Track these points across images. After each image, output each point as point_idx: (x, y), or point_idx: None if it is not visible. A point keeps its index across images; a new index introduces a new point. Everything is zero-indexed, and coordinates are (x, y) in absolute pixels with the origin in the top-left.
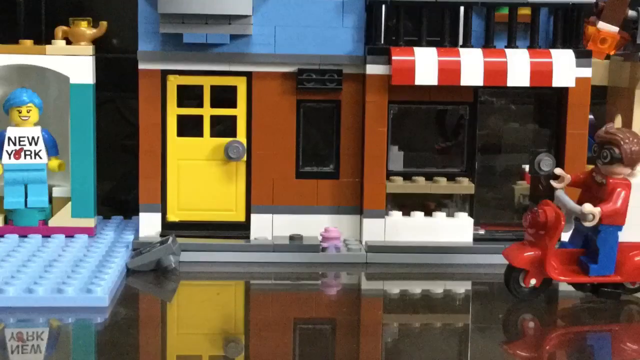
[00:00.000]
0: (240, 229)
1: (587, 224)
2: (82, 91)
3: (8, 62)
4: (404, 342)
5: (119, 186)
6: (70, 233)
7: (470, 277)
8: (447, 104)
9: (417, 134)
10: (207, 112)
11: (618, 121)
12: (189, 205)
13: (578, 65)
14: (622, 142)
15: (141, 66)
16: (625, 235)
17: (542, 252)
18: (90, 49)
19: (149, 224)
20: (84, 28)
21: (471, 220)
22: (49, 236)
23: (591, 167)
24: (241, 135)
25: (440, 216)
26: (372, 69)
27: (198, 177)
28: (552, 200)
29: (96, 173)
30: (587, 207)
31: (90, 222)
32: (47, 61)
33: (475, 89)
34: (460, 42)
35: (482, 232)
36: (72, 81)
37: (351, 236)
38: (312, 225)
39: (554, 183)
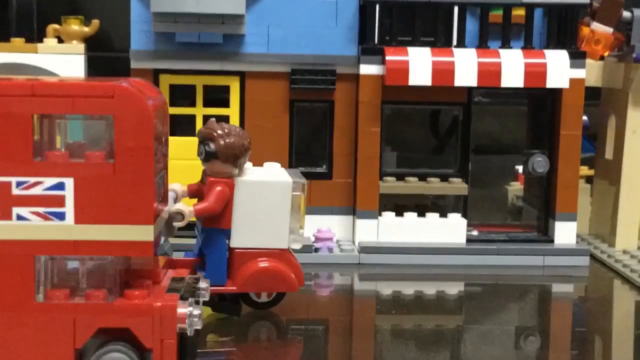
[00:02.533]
0: None
1: (176, 224)
2: None
3: None
4: (396, 343)
5: None
6: None
7: (464, 278)
8: (441, 105)
9: (411, 134)
10: (199, 111)
11: (612, 122)
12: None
13: (572, 66)
14: (216, 136)
15: (133, 65)
16: (249, 240)
17: None
18: (82, 47)
19: None
20: (76, 26)
21: (464, 221)
22: None
23: (584, 168)
24: None
25: (433, 217)
26: (366, 69)
27: (190, 177)
28: None
29: None
30: (176, 206)
31: None
32: (38, 60)
33: (469, 89)
34: (454, 42)
35: (475, 233)
36: None
37: (344, 237)
38: (304, 226)
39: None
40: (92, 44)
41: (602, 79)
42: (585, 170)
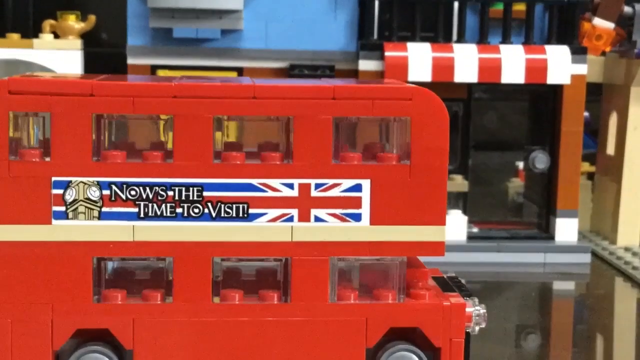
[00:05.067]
0: None
1: None
2: None
3: None
4: None
5: None
6: None
7: (464, 275)
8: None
9: None
10: None
11: (613, 118)
12: None
13: (573, 61)
14: None
15: (130, 61)
16: None
17: None
18: (78, 43)
19: None
20: (72, 22)
21: (465, 218)
22: None
23: (585, 164)
24: None
25: None
26: (365, 65)
27: None
28: None
29: None
30: None
31: None
32: (34, 55)
33: (469, 85)
34: (455, 37)
35: (475, 230)
36: None
37: None
38: None
39: None
40: (89, 40)
41: (604, 74)
42: (586, 167)
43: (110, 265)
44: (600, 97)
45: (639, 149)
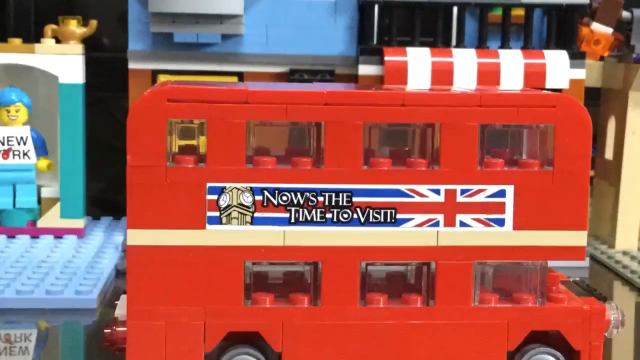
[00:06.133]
0: None
1: None
2: (72, 91)
3: None
4: None
5: (109, 186)
6: (59, 234)
7: None
8: None
9: None
10: None
11: (611, 123)
12: None
13: (572, 66)
14: None
15: (131, 66)
16: None
17: None
18: (79, 48)
19: None
20: (74, 27)
21: None
22: (37, 237)
23: None
24: None
25: None
26: (365, 70)
27: None
28: None
29: (85, 173)
30: None
31: (79, 222)
32: (36, 60)
33: None
34: (454, 42)
35: None
36: (61, 81)
37: None
38: None
39: None
40: (90, 45)
41: (602, 79)
42: None
43: (255, 268)
44: (599, 101)
45: (637, 153)
